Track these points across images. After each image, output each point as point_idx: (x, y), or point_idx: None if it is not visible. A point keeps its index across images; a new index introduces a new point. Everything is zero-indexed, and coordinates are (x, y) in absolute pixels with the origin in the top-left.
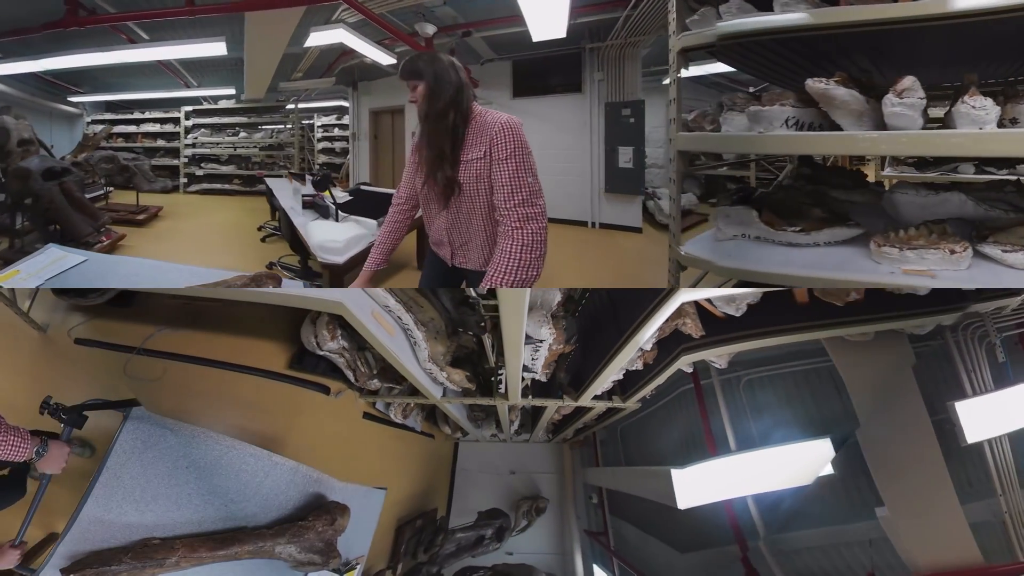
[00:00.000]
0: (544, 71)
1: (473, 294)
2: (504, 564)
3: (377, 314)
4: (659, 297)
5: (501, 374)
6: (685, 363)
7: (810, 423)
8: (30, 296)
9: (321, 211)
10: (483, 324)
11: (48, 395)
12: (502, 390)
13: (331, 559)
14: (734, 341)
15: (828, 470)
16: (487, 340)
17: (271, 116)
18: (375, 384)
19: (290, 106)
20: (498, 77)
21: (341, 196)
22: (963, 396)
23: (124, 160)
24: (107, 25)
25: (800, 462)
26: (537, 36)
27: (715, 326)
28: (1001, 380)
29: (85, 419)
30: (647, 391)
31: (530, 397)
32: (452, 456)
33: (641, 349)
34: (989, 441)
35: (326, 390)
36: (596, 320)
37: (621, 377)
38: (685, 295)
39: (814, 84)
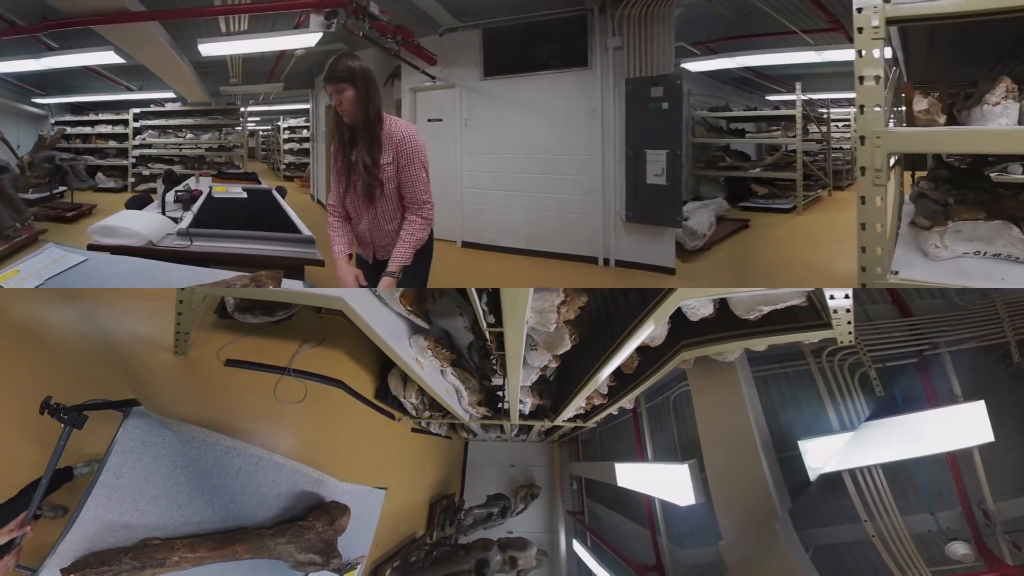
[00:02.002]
0: (529, 40)
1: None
2: (506, 538)
3: (450, 389)
4: (658, 296)
5: (504, 392)
6: (684, 358)
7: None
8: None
9: (185, 205)
10: (495, 366)
11: (48, 395)
12: (506, 407)
13: (331, 559)
14: (729, 340)
15: (689, 494)
16: (498, 375)
17: (225, 118)
18: (426, 414)
19: (244, 108)
20: (463, 51)
21: (232, 192)
22: (828, 428)
23: (60, 160)
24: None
25: (670, 481)
26: None
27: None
28: (889, 409)
29: (85, 419)
30: (629, 396)
31: (525, 413)
32: (463, 452)
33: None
34: (851, 472)
35: (392, 416)
36: (574, 355)
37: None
38: (685, 294)
39: None
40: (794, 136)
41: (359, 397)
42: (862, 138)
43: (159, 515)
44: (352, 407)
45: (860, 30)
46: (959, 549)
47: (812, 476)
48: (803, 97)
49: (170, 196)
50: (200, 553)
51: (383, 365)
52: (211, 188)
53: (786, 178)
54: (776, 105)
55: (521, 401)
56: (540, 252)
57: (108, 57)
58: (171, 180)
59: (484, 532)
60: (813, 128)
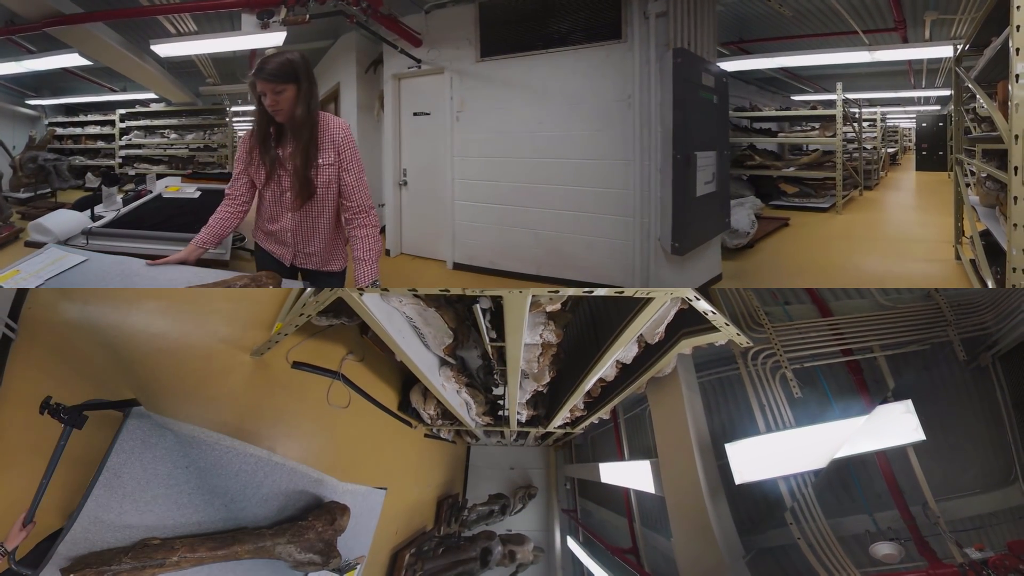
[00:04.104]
0: (538, 11)
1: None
2: (505, 533)
3: (462, 403)
4: (641, 302)
5: (504, 400)
6: (685, 347)
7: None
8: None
9: (128, 202)
10: (496, 379)
11: (48, 395)
12: (506, 414)
13: (331, 559)
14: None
15: (649, 486)
16: (499, 385)
17: (215, 118)
18: (439, 422)
19: (230, 108)
20: (454, 29)
21: (184, 193)
22: (754, 430)
23: (43, 160)
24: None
25: (639, 475)
26: None
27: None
28: (819, 411)
29: (85, 419)
30: (618, 401)
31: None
32: (466, 456)
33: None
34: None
35: (410, 424)
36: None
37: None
38: (679, 293)
39: None
40: (832, 135)
41: (359, 391)
42: (1016, 137)
43: (159, 515)
44: (379, 419)
45: (1018, 28)
46: (881, 549)
47: (737, 480)
48: (843, 97)
49: (120, 197)
50: (200, 553)
51: (405, 382)
52: (165, 188)
53: (816, 177)
54: (813, 105)
55: (518, 413)
56: (555, 279)
57: (75, 60)
58: (110, 180)
59: (486, 527)
60: (845, 128)
